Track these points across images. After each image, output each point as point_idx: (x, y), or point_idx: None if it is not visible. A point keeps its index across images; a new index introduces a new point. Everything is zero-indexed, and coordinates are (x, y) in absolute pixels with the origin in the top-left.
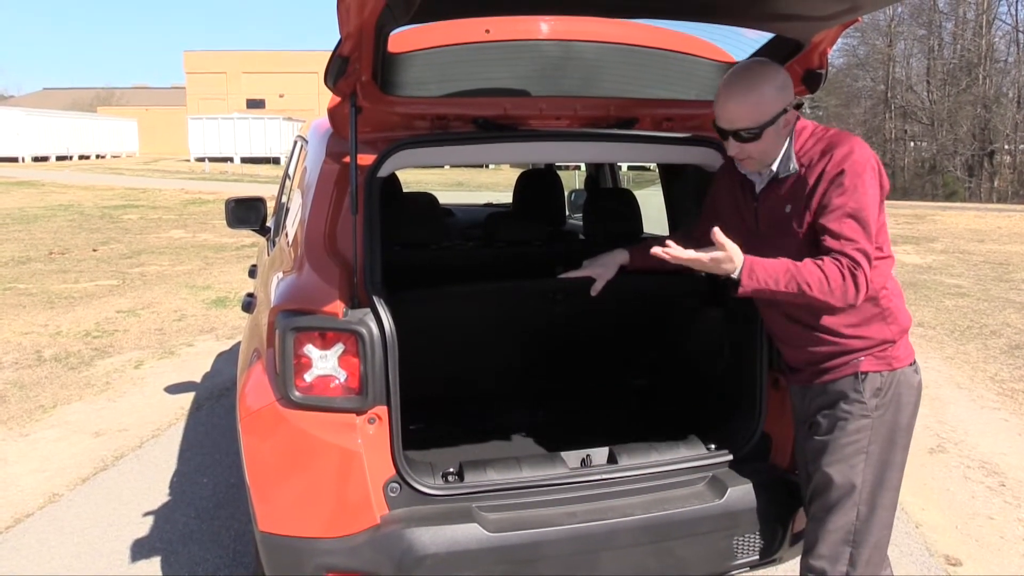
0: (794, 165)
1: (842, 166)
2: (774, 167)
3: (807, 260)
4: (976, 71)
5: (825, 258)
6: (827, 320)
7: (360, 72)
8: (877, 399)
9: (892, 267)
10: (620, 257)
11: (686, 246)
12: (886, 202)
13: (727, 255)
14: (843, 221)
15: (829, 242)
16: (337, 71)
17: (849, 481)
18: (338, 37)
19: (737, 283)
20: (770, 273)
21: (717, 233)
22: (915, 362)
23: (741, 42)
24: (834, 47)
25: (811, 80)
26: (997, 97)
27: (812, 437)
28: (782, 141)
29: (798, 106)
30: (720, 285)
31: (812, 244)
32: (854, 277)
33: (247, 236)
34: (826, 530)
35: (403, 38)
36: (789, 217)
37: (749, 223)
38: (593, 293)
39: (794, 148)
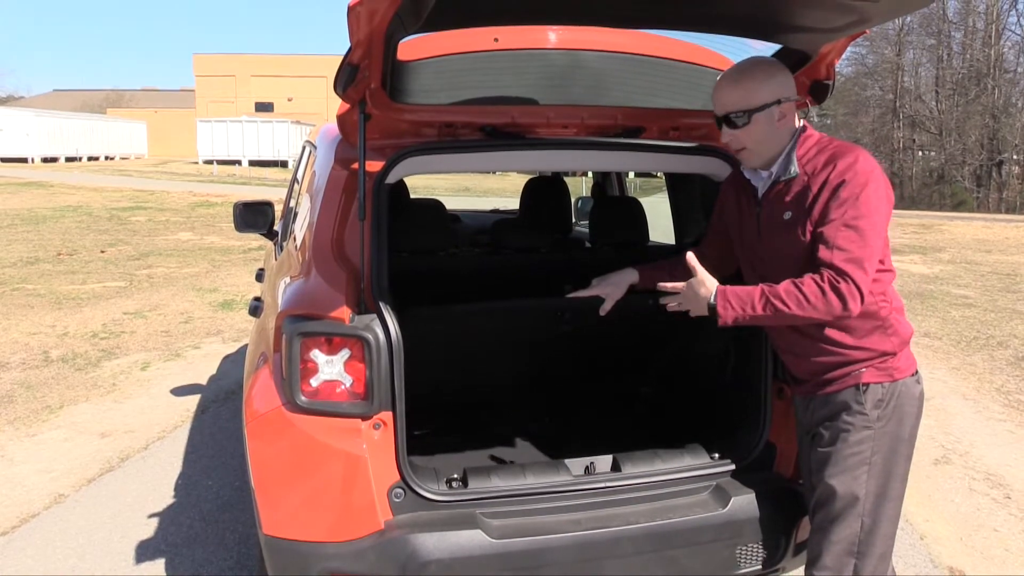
0: (795, 169)
1: (844, 176)
2: (773, 169)
3: (786, 280)
4: (985, 81)
5: (806, 276)
6: (828, 332)
7: (369, 79)
8: (879, 410)
9: (892, 280)
10: (630, 276)
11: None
12: (892, 213)
13: (699, 279)
14: (839, 230)
15: (821, 252)
16: (347, 78)
17: (852, 492)
18: (348, 44)
19: (715, 312)
20: (744, 299)
21: (690, 257)
22: (917, 372)
23: (748, 53)
24: (842, 56)
25: (818, 91)
26: (1006, 107)
27: (815, 448)
28: (778, 137)
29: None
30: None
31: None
32: (836, 290)
33: (254, 239)
34: (829, 541)
35: (412, 46)
36: (789, 224)
37: (751, 230)
38: (602, 313)
39: (797, 153)
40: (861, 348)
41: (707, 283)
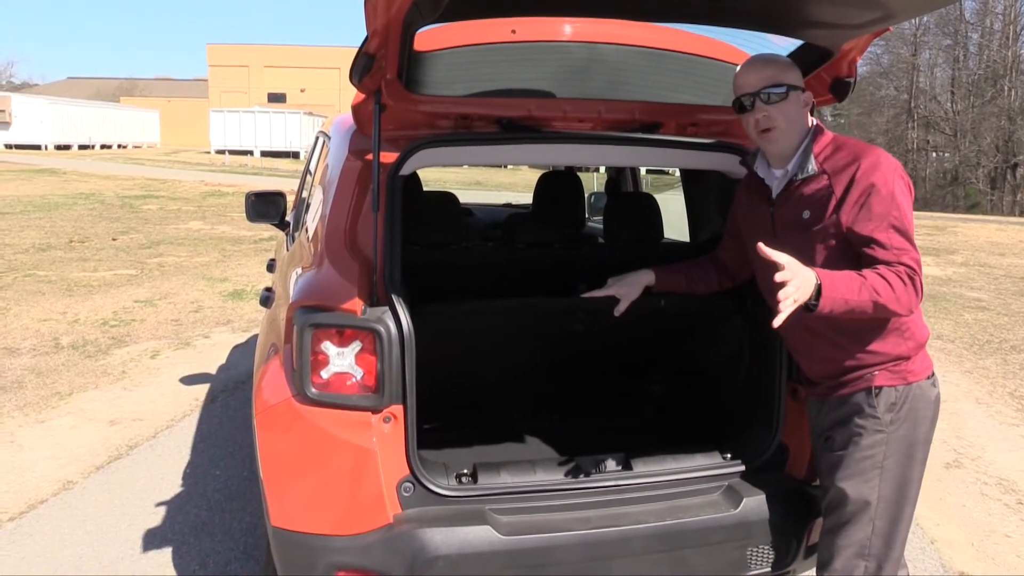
0: (812, 167)
1: (874, 176)
2: (789, 167)
3: (865, 270)
4: (1001, 82)
5: (880, 267)
6: (845, 333)
7: (385, 70)
8: (892, 414)
9: None
10: (645, 278)
11: (710, 268)
12: None
13: (792, 262)
14: (889, 232)
15: (879, 253)
16: (362, 68)
17: (863, 496)
18: (364, 34)
19: (815, 300)
20: (846, 284)
21: (762, 249)
22: (933, 375)
23: (769, 48)
24: (863, 54)
25: (839, 88)
26: (1022, 109)
27: (827, 452)
28: (801, 126)
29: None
30: (743, 299)
31: (836, 250)
32: (913, 282)
33: (265, 229)
34: (840, 545)
35: (429, 37)
36: (807, 223)
37: (766, 231)
38: (616, 314)
39: (814, 150)
40: (875, 352)
41: (808, 275)
